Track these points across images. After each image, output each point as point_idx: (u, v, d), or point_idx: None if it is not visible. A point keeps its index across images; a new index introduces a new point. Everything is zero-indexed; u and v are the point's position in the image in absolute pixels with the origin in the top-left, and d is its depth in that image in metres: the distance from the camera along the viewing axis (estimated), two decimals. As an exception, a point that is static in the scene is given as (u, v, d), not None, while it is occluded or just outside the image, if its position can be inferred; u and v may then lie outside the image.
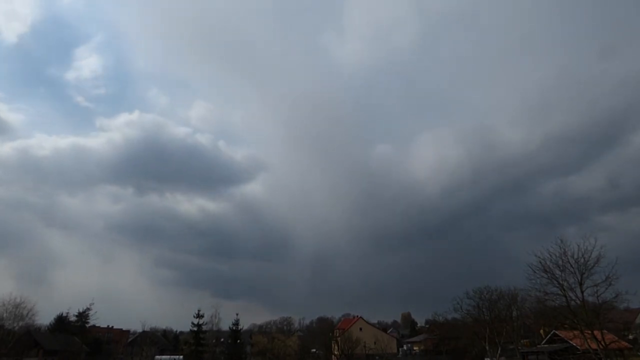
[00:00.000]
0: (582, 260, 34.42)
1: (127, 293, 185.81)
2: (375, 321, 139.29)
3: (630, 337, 69.31)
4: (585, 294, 34.57)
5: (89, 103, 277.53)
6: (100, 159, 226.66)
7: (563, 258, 35.53)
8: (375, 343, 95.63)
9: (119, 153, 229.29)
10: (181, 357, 79.25)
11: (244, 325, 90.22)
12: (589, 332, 35.99)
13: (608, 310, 38.73)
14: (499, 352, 58.90)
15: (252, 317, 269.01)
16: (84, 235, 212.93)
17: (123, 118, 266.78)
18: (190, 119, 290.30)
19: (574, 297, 35.21)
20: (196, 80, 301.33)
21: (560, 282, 35.53)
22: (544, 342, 59.64)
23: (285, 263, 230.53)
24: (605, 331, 36.82)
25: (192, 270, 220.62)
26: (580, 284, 34.54)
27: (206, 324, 69.66)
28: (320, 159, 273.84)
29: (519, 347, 65.39)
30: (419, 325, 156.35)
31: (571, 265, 35.03)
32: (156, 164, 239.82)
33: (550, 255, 36.23)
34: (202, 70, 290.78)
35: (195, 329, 69.31)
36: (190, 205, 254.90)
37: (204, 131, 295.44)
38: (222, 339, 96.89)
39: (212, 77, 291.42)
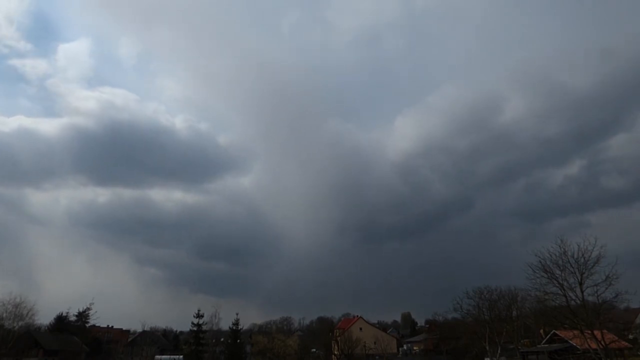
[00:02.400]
0: (582, 260, 34.39)
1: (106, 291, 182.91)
2: (375, 321, 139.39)
3: (630, 337, 69.20)
4: (585, 293, 34.51)
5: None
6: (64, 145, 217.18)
7: (563, 258, 35.50)
8: (375, 343, 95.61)
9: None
10: (181, 357, 79.20)
11: (244, 325, 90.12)
12: (589, 332, 35.95)
13: (608, 310, 38.68)
14: (499, 352, 58.88)
15: (240, 315, 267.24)
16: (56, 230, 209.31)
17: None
18: (161, 97, 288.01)
19: (574, 297, 35.15)
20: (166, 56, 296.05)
21: (560, 281, 35.48)
22: (544, 342, 59.60)
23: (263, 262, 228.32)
24: (605, 331, 36.82)
25: (176, 268, 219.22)
26: (580, 284, 34.48)
27: (206, 323, 69.44)
28: (302, 154, 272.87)
29: (519, 347, 65.39)
30: (419, 325, 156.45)
31: (571, 265, 34.99)
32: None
33: (550, 255, 36.24)
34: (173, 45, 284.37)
35: (195, 328, 69.16)
36: (166, 197, 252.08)
37: (179, 114, 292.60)
38: (222, 339, 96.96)
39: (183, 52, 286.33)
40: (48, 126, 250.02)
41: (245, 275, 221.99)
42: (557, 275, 35.59)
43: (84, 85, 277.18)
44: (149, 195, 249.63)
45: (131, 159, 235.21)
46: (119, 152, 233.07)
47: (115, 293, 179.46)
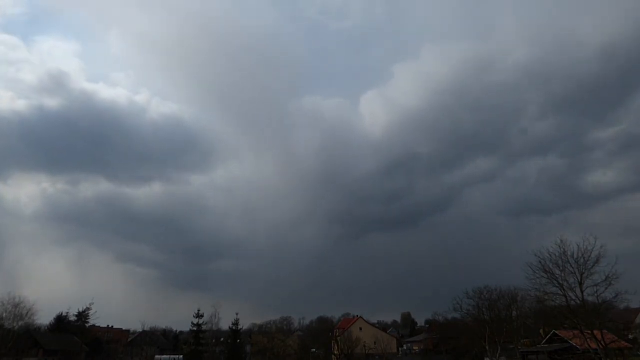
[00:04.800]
0: (582, 260, 34.51)
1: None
2: (375, 321, 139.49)
3: (630, 337, 69.21)
4: (585, 294, 34.61)
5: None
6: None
7: (563, 258, 35.64)
8: (375, 343, 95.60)
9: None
10: (181, 357, 79.22)
11: (244, 325, 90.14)
12: (589, 332, 36.01)
13: (608, 310, 38.71)
14: (499, 352, 58.85)
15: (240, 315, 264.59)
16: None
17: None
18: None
19: (574, 297, 35.24)
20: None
21: (560, 282, 35.60)
22: (544, 342, 59.64)
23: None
24: (605, 331, 36.86)
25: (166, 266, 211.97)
26: (580, 284, 34.58)
27: (206, 323, 69.54)
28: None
29: (519, 347, 65.39)
30: (419, 325, 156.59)
31: (571, 265, 35.12)
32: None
33: (550, 255, 36.39)
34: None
35: (195, 328, 69.22)
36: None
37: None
38: (222, 339, 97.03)
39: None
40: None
41: (243, 274, 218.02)
42: (557, 276, 35.75)
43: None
44: (130, 190, 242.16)
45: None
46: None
47: (99, 292, 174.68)
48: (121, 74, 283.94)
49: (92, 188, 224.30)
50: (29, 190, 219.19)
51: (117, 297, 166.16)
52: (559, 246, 36.05)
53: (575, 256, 34.92)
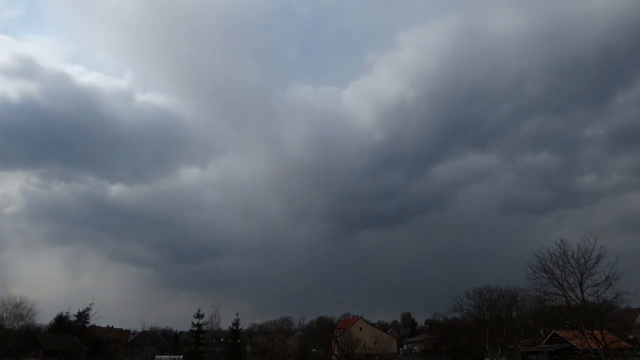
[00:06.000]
0: (582, 260, 34.53)
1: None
2: (375, 321, 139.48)
3: (631, 337, 69.22)
4: (585, 294, 34.63)
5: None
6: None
7: (563, 258, 35.66)
8: (375, 343, 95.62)
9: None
10: (181, 357, 79.23)
11: (244, 325, 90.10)
12: (589, 332, 36.03)
13: (608, 310, 38.72)
14: (499, 352, 58.87)
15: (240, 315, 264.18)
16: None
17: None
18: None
19: (574, 297, 35.26)
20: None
21: (560, 282, 35.61)
22: (544, 342, 59.65)
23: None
24: (605, 331, 36.89)
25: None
26: (581, 284, 34.59)
27: (206, 323, 69.53)
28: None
29: (519, 347, 65.38)
30: (419, 325, 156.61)
31: (571, 265, 35.13)
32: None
33: (550, 255, 36.40)
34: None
35: (195, 328, 69.23)
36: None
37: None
38: (222, 339, 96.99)
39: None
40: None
41: (242, 274, 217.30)
42: (557, 276, 35.77)
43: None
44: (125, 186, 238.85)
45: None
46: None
47: (99, 292, 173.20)
48: (102, 62, 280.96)
49: (90, 186, 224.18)
50: (15, 187, 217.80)
51: (116, 297, 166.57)
52: (559, 246, 36.15)
53: (576, 256, 34.98)
